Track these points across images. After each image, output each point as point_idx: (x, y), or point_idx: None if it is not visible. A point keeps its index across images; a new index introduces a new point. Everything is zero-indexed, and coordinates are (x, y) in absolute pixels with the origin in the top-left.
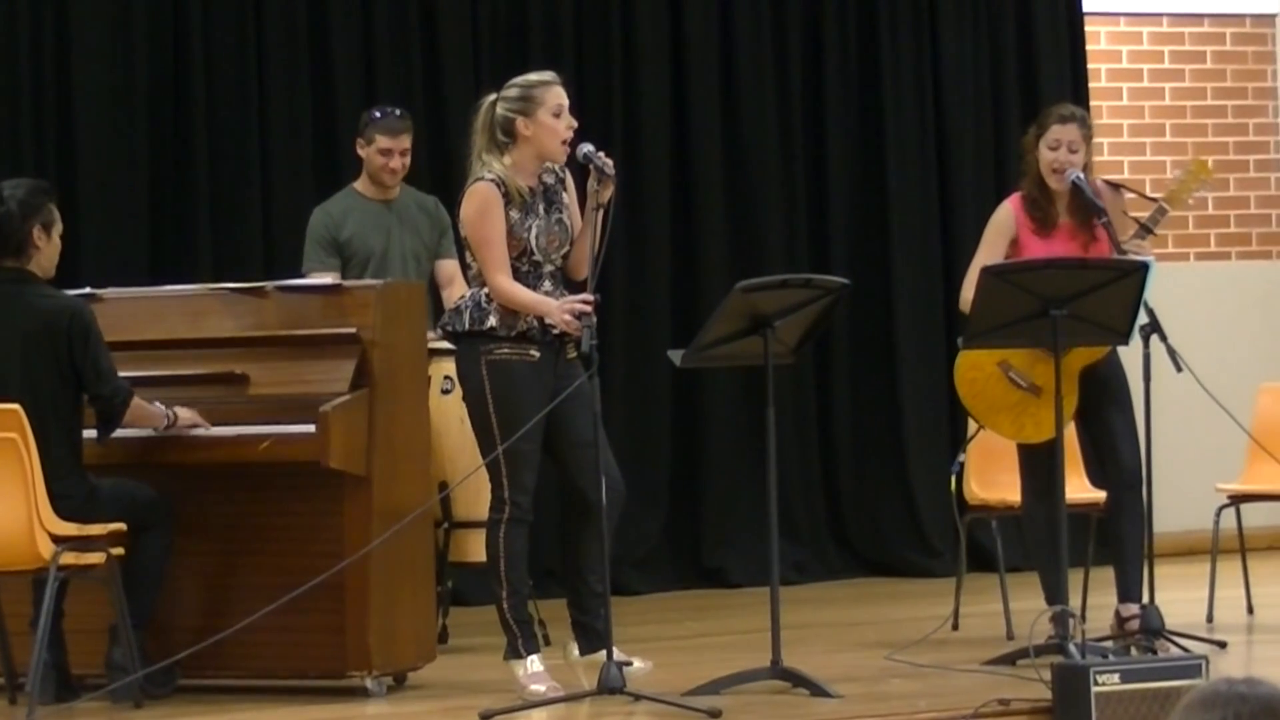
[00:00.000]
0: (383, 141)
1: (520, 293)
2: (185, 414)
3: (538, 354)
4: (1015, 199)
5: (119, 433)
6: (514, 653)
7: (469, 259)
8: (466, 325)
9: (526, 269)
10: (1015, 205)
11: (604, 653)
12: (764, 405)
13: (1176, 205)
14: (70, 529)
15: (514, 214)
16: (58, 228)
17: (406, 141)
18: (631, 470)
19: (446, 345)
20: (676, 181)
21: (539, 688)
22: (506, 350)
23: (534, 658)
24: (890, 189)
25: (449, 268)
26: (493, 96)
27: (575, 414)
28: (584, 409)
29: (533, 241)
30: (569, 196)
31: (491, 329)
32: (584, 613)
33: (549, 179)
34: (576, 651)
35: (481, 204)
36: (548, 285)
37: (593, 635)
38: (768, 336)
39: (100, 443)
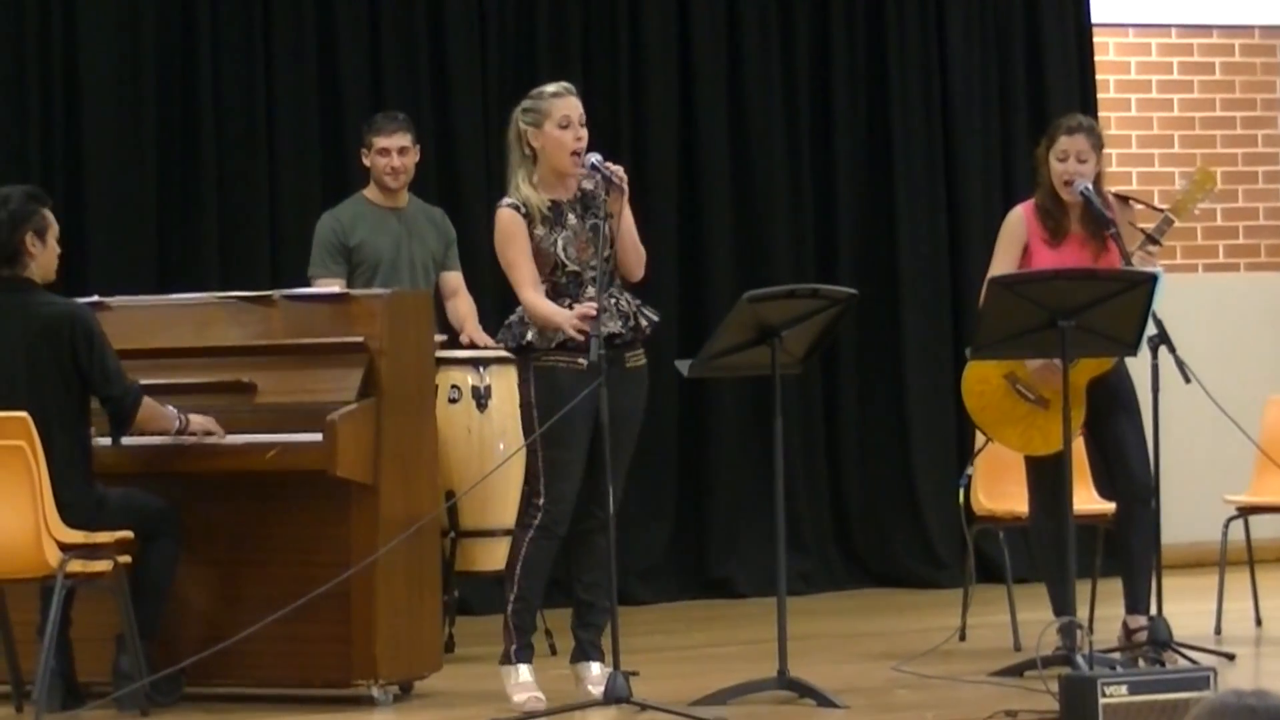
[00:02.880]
0: (379, 142)
1: (541, 307)
2: (199, 420)
3: (584, 362)
4: (1027, 206)
5: (128, 440)
6: (506, 659)
7: None
8: (514, 341)
9: (565, 281)
10: (1027, 212)
11: (593, 665)
12: (771, 415)
13: (1182, 215)
14: (77, 537)
15: (539, 231)
16: (53, 233)
17: (403, 140)
18: (638, 480)
19: (454, 354)
20: (683, 191)
21: (520, 698)
22: (552, 359)
23: (524, 667)
24: (898, 199)
25: (453, 280)
26: (520, 107)
27: (612, 429)
28: (620, 425)
29: (561, 254)
30: (603, 202)
31: (530, 344)
32: (578, 622)
33: (588, 184)
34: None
35: (503, 231)
36: (591, 292)
37: (586, 646)
38: (775, 347)
39: (114, 445)
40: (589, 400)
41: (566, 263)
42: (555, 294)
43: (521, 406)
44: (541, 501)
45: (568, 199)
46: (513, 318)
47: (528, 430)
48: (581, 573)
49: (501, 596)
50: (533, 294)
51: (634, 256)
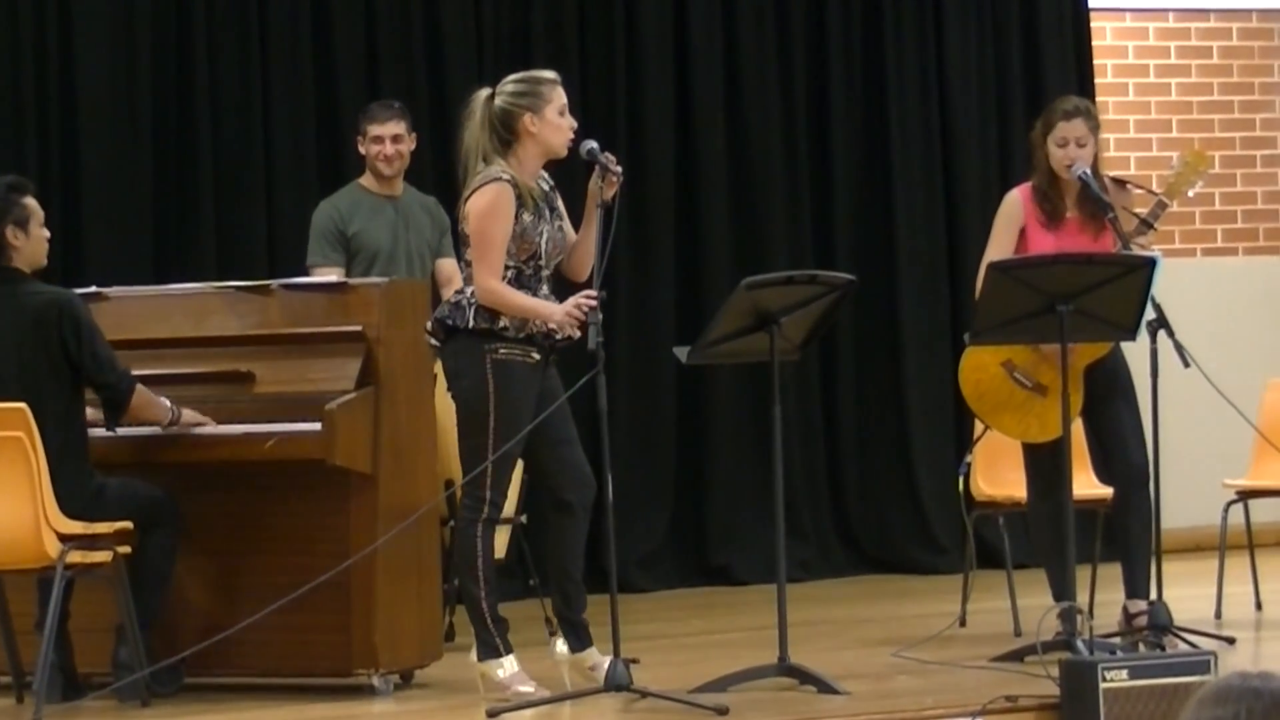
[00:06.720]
0: (374, 130)
1: (516, 297)
2: (190, 414)
3: (537, 356)
4: (1024, 189)
5: (125, 431)
6: (493, 652)
7: (466, 254)
8: (471, 322)
9: (530, 272)
10: (1024, 195)
11: (592, 651)
12: (769, 402)
13: (1176, 197)
14: (76, 527)
15: (527, 217)
16: (37, 220)
17: (396, 128)
18: (637, 468)
19: None
20: (681, 179)
21: (527, 688)
22: (511, 350)
23: (513, 657)
24: (895, 185)
25: (448, 267)
26: (487, 91)
27: (550, 414)
28: (558, 408)
29: (543, 247)
30: (561, 205)
31: (503, 328)
32: (573, 610)
33: (544, 185)
34: (564, 648)
35: (495, 201)
36: (545, 290)
37: (582, 633)
38: (773, 333)
39: (110, 431)
40: (536, 394)
41: (541, 255)
42: (518, 284)
43: (466, 393)
44: (488, 494)
45: (539, 195)
46: (467, 297)
47: (476, 418)
48: (564, 560)
49: (501, 588)
50: (501, 284)
51: (586, 256)
